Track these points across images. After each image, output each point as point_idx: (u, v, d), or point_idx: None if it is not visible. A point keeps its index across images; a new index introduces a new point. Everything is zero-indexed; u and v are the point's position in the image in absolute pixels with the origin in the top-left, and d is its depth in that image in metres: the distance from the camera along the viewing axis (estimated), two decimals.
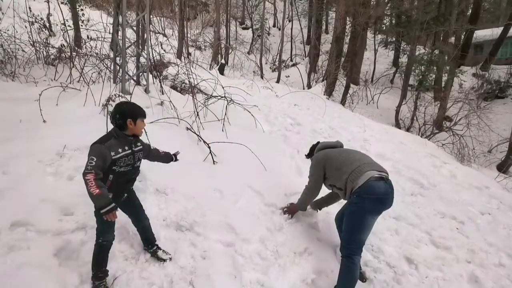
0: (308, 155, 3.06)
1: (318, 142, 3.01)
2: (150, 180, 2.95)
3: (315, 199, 2.92)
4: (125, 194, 2.21)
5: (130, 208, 2.30)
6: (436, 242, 3.14)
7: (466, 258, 2.98)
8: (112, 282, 2.12)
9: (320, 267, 2.56)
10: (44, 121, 3.42)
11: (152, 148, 2.42)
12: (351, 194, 2.35)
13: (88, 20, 10.45)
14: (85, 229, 2.32)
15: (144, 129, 3.42)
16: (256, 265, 2.48)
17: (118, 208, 2.08)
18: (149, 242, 2.39)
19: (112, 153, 1.95)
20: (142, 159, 2.25)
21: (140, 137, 2.20)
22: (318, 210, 3.10)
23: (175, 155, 2.60)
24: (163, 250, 2.39)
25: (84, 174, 1.81)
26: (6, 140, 2.97)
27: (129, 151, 2.06)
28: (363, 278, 2.56)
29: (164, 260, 2.34)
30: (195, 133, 3.84)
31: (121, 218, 2.53)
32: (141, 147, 2.20)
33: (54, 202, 2.46)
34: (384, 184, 2.31)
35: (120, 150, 1.99)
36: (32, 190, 2.50)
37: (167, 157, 2.55)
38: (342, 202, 2.96)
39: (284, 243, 2.72)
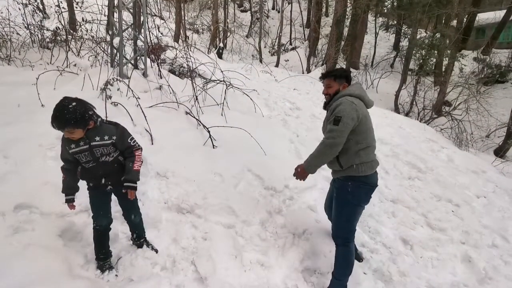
0: (326, 76, 2.30)
1: (350, 73, 2.29)
2: (150, 164, 2.97)
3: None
4: (109, 187, 2.06)
5: (120, 201, 2.19)
6: (431, 224, 3.21)
7: (460, 239, 3.07)
8: (116, 262, 2.18)
9: (318, 248, 2.62)
10: (42, 105, 3.39)
11: (132, 149, 2.05)
12: (344, 178, 2.18)
13: (83, 2, 10.18)
14: (88, 211, 2.35)
15: (144, 113, 3.45)
16: (256, 246, 2.55)
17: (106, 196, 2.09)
18: (137, 236, 2.32)
19: (67, 148, 1.87)
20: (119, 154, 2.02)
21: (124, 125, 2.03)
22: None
23: (127, 187, 2.04)
24: (151, 246, 2.33)
25: None
26: (5, 124, 2.96)
27: (85, 146, 1.87)
28: (360, 258, 2.63)
29: (152, 249, 2.31)
30: (194, 117, 3.84)
31: None
32: (107, 141, 1.92)
33: (56, 185, 2.46)
34: (376, 174, 2.24)
35: (73, 145, 1.86)
36: (33, 174, 2.52)
37: (127, 173, 2.05)
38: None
39: (284, 225, 2.78)
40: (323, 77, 2.32)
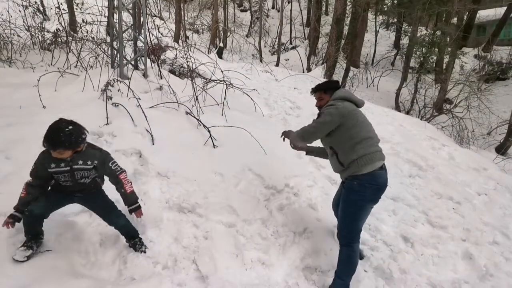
0: (316, 90, 2.49)
1: (338, 83, 2.50)
2: (151, 163, 2.98)
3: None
4: (78, 194, 2.07)
5: (93, 208, 2.16)
6: (432, 222, 3.22)
7: (461, 237, 3.07)
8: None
9: (319, 246, 2.63)
10: (43, 106, 3.42)
11: (116, 173, 2.07)
12: (351, 178, 2.18)
13: (83, 3, 10.21)
14: (89, 212, 2.36)
15: (144, 114, 3.47)
16: (257, 245, 2.56)
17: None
18: (129, 237, 2.25)
19: (46, 165, 1.89)
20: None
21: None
22: (305, 154, 2.81)
23: (131, 210, 2.13)
24: (144, 245, 2.28)
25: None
26: (7, 125, 2.98)
27: (66, 168, 1.91)
28: (361, 256, 2.63)
29: (142, 251, 2.25)
30: (194, 117, 3.85)
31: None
32: (89, 166, 1.96)
33: None
34: (384, 173, 2.22)
35: (53, 165, 1.89)
36: None
37: (125, 200, 2.14)
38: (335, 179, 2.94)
39: (284, 223, 2.79)
40: (314, 91, 2.51)
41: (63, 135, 1.79)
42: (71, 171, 1.92)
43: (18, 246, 2.02)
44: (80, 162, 1.94)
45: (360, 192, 2.17)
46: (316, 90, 2.49)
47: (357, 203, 2.21)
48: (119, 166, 2.12)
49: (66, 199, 2.10)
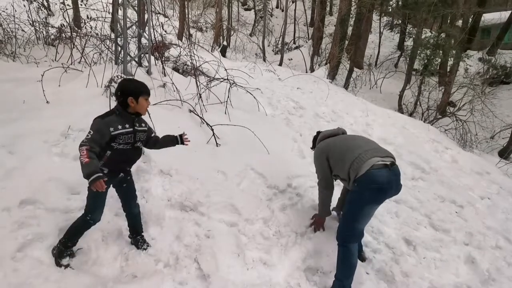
0: (313, 147, 2.91)
1: (319, 132, 2.88)
2: (154, 161, 2.98)
3: (331, 199, 2.71)
4: (122, 174, 2.11)
5: (122, 191, 2.21)
6: (435, 225, 3.20)
7: (464, 240, 3.05)
8: (76, 250, 2.15)
9: (321, 247, 2.62)
10: (47, 102, 3.42)
11: (153, 135, 2.29)
12: (353, 182, 2.22)
13: None
14: None
15: (148, 111, 3.46)
16: (258, 244, 2.55)
17: (111, 185, 2.09)
18: (134, 231, 2.30)
19: (111, 129, 1.90)
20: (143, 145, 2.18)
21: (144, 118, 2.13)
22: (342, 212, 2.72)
23: (180, 136, 2.31)
24: (146, 242, 2.33)
25: (80, 146, 1.81)
26: (11, 120, 2.98)
27: (131, 129, 1.99)
28: (363, 258, 2.62)
29: (144, 249, 2.28)
30: (198, 115, 3.84)
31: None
32: (145, 128, 2.12)
33: (61, 181, 2.51)
34: (386, 172, 2.16)
35: (119, 126, 1.94)
36: (39, 170, 2.54)
37: (169, 140, 2.32)
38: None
39: (287, 223, 2.78)
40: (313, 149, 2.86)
41: None
42: (134, 132, 2.02)
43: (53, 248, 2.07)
44: (141, 124, 2.10)
45: (358, 192, 2.23)
46: (314, 148, 2.86)
47: (355, 204, 2.26)
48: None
49: (105, 192, 1.98)
